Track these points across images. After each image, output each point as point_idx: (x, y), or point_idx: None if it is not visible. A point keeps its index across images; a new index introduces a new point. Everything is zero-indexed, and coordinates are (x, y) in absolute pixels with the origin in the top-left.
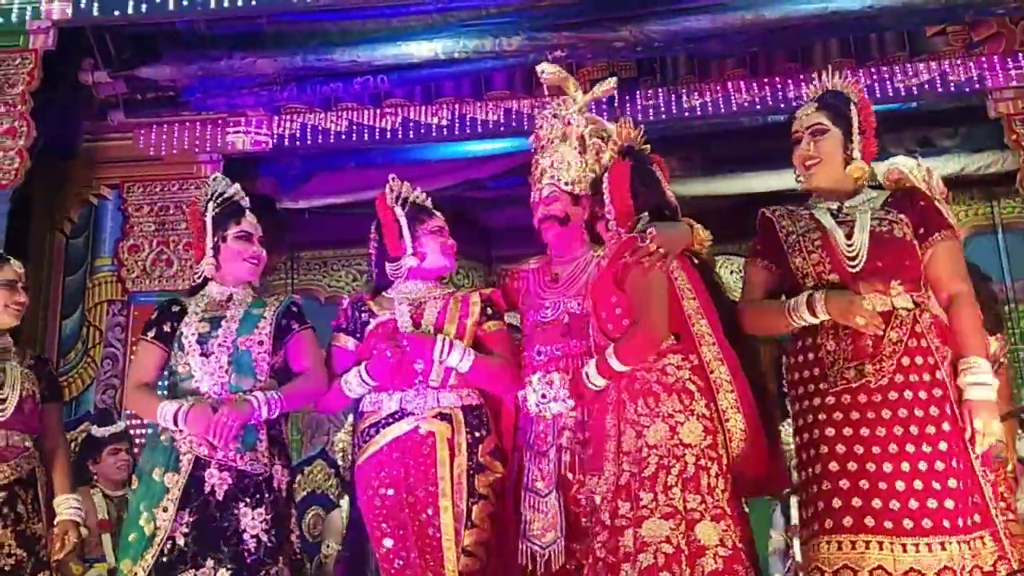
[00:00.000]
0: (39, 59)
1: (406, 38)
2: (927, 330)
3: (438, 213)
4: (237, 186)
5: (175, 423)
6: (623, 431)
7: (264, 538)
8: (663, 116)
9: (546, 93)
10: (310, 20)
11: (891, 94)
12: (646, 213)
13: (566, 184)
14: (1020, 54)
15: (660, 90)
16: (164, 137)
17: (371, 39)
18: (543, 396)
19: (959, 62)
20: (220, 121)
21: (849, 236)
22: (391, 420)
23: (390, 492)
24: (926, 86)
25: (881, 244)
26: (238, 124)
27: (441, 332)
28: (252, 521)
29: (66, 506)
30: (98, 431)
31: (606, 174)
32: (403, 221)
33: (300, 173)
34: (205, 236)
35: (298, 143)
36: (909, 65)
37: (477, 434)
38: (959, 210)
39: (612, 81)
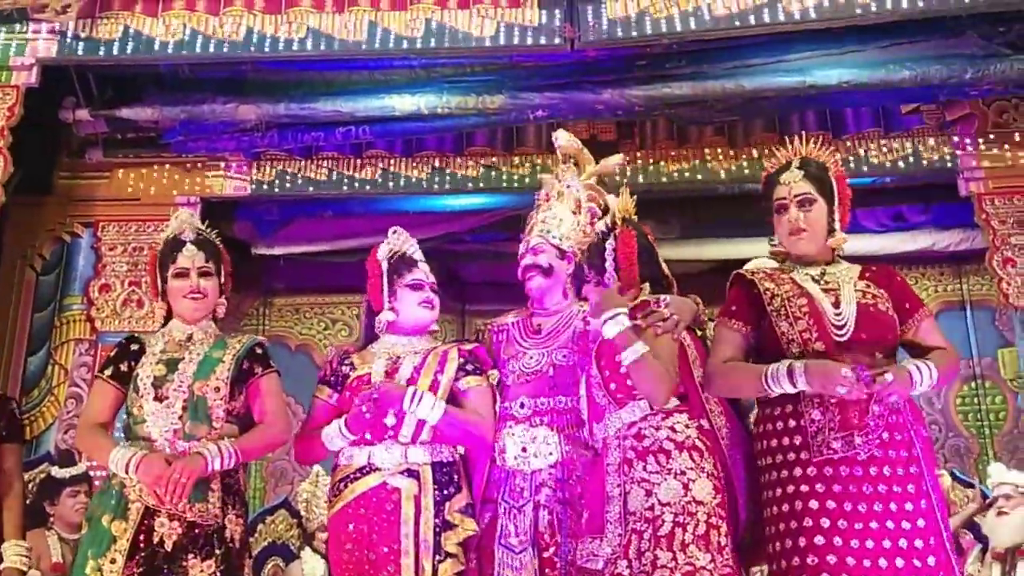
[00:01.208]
0: (20, 95)
1: (389, 91)
2: (903, 406)
3: (422, 266)
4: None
5: (126, 471)
6: (628, 491)
7: None
8: (640, 180)
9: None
10: (294, 69)
11: (865, 169)
12: (647, 284)
13: (554, 237)
14: (992, 135)
15: (638, 154)
16: (142, 178)
17: (354, 90)
18: (523, 450)
19: (932, 141)
20: (200, 164)
21: (835, 304)
22: (359, 475)
23: (355, 547)
24: (899, 162)
25: (867, 316)
26: (217, 168)
27: (414, 386)
28: (200, 574)
29: (12, 552)
30: (59, 472)
31: (611, 241)
32: (385, 275)
33: (277, 219)
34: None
35: (277, 189)
36: (883, 141)
37: (446, 491)
38: (928, 285)
39: (619, 157)
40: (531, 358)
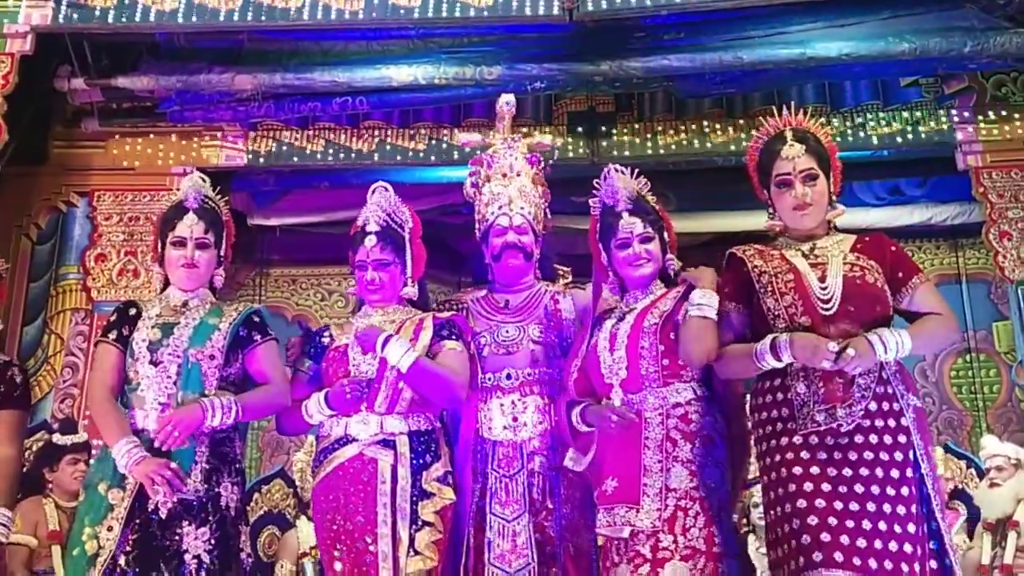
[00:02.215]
0: (15, 63)
1: (386, 61)
2: (892, 376)
3: (368, 240)
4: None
5: (125, 467)
6: (671, 468)
7: (206, 559)
8: (638, 152)
9: (501, 125)
10: (291, 39)
11: (863, 141)
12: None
13: (532, 217)
14: (990, 109)
15: (637, 126)
16: (138, 147)
17: (351, 61)
18: (514, 419)
19: (930, 114)
20: (196, 135)
21: (822, 279)
22: (337, 446)
23: (335, 517)
24: (897, 136)
25: (854, 289)
26: (213, 138)
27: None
28: (195, 541)
29: None
30: (60, 439)
31: (658, 207)
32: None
33: (273, 190)
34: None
35: (273, 160)
36: (882, 114)
37: (422, 460)
38: (924, 259)
39: (550, 138)
40: (507, 331)
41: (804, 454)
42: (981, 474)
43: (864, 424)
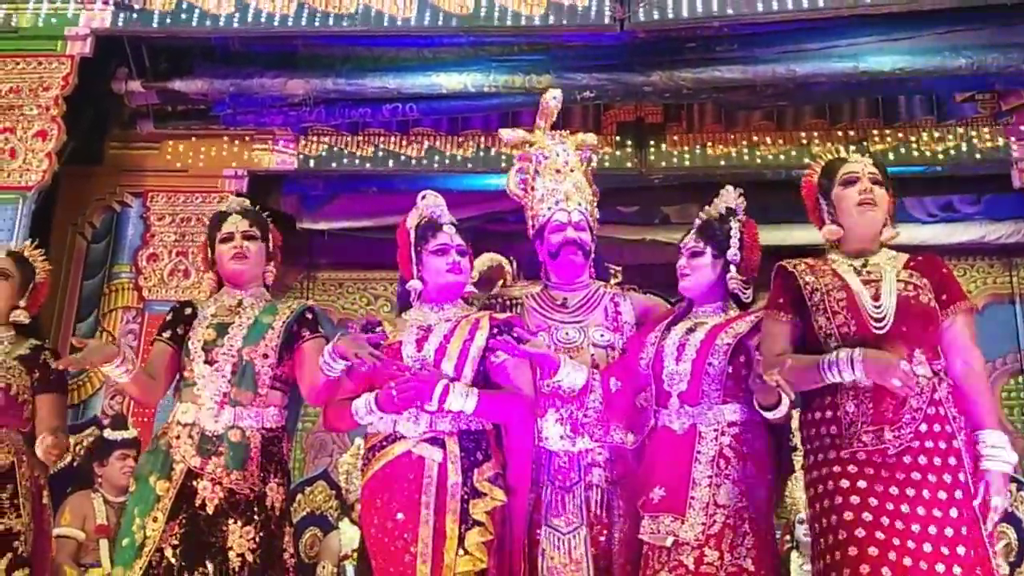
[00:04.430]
0: (75, 65)
1: (437, 69)
2: (945, 399)
3: (448, 229)
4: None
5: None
6: (720, 484)
7: (250, 557)
8: (687, 163)
9: (543, 122)
10: (343, 45)
11: (916, 157)
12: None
13: (590, 216)
14: None
15: (686, 137)
16: (191, 149)
17: (402, 67)
18: (573, 429)
19: (986, 130)
20: (248, 138)
21: (875, 297)
22: (385, 444)
23: (380, 515)
24: (951, 151)
25: (907, 309)
26: (265, 142)
27: (443, 356)
28: (240, 539)
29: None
30: (111, 434)
31: (735, 224)
32: (412, 243)
33: (323, 194)
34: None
35: (323, 165)
36: (936, 130)
37: (472, 458)
38: (977, 277)
39: (591, 136)
40: (566, 333)
41: (852, 468)
42: None
43: (913, 446)
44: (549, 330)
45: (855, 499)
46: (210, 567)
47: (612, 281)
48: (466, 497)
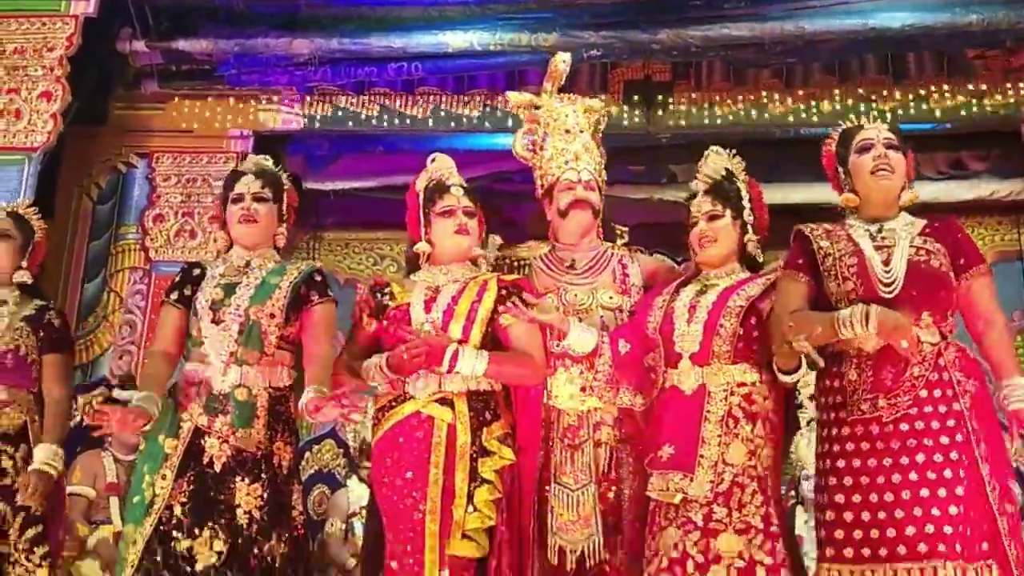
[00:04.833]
0: (79, 25)
1: (442, 27)
2: (951, 364)
3: (455, 191)
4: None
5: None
6: (729, 443)
7: (257, 515)
8: (695, 122)
9: (551, 85)
10: (347, 4)
11: (925, 114)
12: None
13: (600, 176)
14: None
15: (694, 95)
16: (196, 110)
17: (407, 26)
18: (582, 389)
19: (996, 87)
20: (253, 98)
21: (887, 262)
22: (395, 404)
23: (391, 478)
24: (961, 109)
25: (918, 273)
26: (270, 102)
27: (451, 318)
28: (247, 497)
29: (41, 456)
30: (120, 394)
31: (742, 185)
32: (420, 205)
33: (328, 154)
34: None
35: (328, 124)
36: (946, 87)
37: (482, 418)
38: (985, 235)
39: (597, 102)
40: (575, 295)
41: (849, 445)
42: None
43: (912, 412)
44: (558, 291)
45: (856, 463)
46: (218, 524)
47: (619, 242)
48: (475, 456)
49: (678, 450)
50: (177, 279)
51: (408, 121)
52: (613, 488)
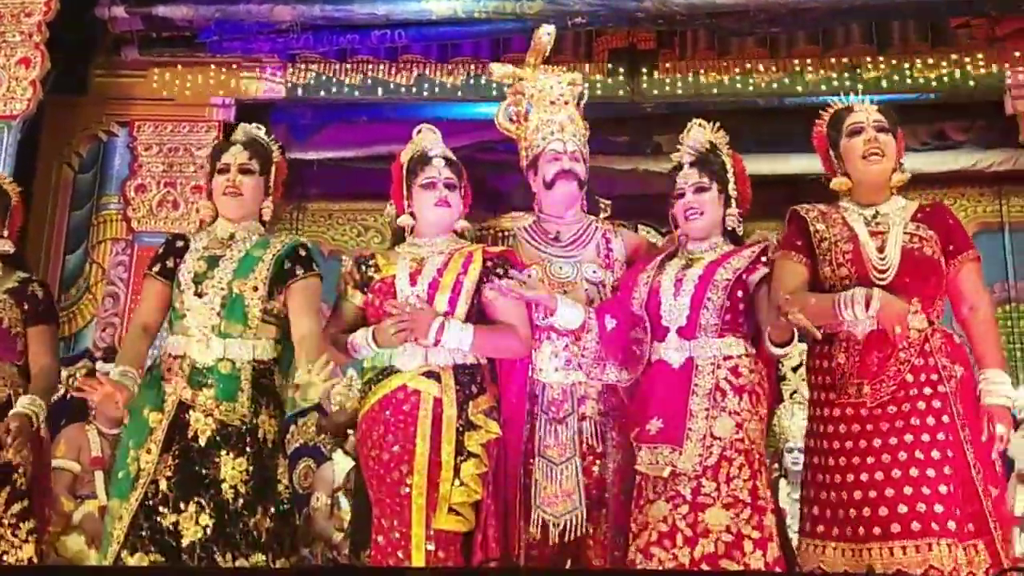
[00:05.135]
0: None
1: None
2: (936, 349)
3: (437, 162)
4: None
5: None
6: (716, 417)
7: (243, 489)
8: (679, 91)
9: (534, 58)
10: None
11: (909, 84)
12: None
13: (584, 148)
14: None
15: (678, 64)
16: (177, 78)
17: None
18: (567, 362)
19: (981, 56)
20: (235, 65)
21: (881, 249)
22: (381, 377)
23: (378, 451)
24: (945, 78)
25: (911, 260)
26: (252, 70)
27: (437, 290)
28: (232, 471)
29: (22, 401)
30: (103, 367)
31: (726, 158)
32: (404, 177)
33: (311, 123)
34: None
35: (311, 93)
36: (930, 56)
37: (468, 391)
38: (967, 206)
39: (578, 76)
40: (560, 267)
41: (842, 427)
42: (1016, 425)
43: (898, 395)
44: (542, 263)
45: (848, 444)
46: (204, 499)
47: (601, 215)
48: (461, 429)
49: (666, 423)
50: (160, 251)
51: (392, 89)
52: (598, 462)
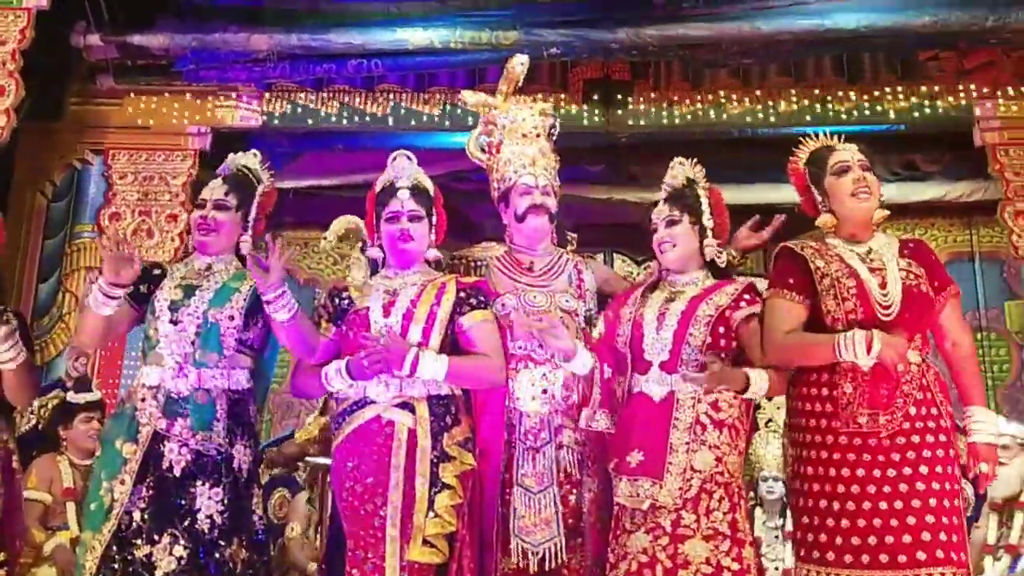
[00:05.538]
0: (31, 18)
1: (403, 24)
2: (932, 383)
3: (402, 194)
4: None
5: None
6: (696, 450)
7: (218, 519)
8: (653, 122)
9: (507, 87)
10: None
11: (879, 115)
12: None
13: (555, 181)
14: (1009, 85)
15: (653, 95)
16: (153, 106)
17: (368, 23)
18: (544, 391)
19: (949, 89)
20: (211, 94)
21: (882, 285)
22: (355, 408)
23: (352, 482)
24: (915, 111)
25: (911, 297)
26: (228, 98)
27: (411, 321)
28: (208, 500)
29: None
30: (73, 397)
31: (702, 191)
32: (373, 209)
33: (288, 152)
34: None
35: (287, 122)
36: (900, 88)
37: (443, 423)
38: (938, 236)
39: (549, 106)
40: (535, 297)
41: (843, 442)
42: None
43: (904, 427)
44: (516, 292)
45: (846, 472)
46: (178, 529)
47: (568, 248)
48: (436, 461)
49: (647, 456)
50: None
51: (368, 119)
52: (575, 491)
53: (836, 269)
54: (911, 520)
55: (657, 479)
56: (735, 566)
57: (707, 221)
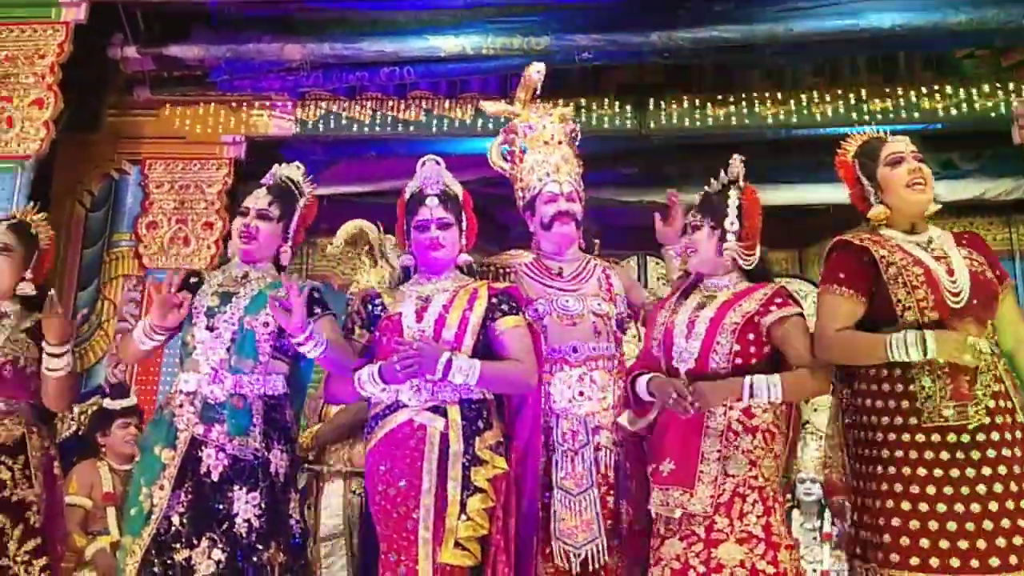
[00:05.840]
0: (70, 32)
1: (434, 31)
2: (1005, 374)
3: (431, 201)
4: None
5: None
6: (728, 456)
7: (256, 523)
8: (687, 124)
9: (524, 94)
10: (339, 8)
11: (916, 114)
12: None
13: (579, 186)
14: None
15: (685, 97)
16: (189, 116)
17: (399, 31)
18: (580, 393)
19: (987, 87)
20: (245, 103)
21: (950, 273)
22: (388, 412)
23: (385, 486)
24: (952, 109)
25: (979, 284)
26: (262, 107)
27: (443, 327)
28: (245, 505)
29: None
30: (110, 404)
31: (734, 195)
32: (405, 216)
33: (322, 160)
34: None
35: (321, 129)
36: (936, 86)
37: (474, 427)
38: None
39: (569, 111)
40: (567, 302)
41: (928, 454)
42: None
43: (986, 422)
44: (548, 298)
45: (922, 471)
46: (216, 533)
47: (595, 252)
48: (468, 464)
49: (678, 465)
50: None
51: (400, 125)
52: (612, 491)
53: (900, 258)
54: (1004, 523)
55: (688, 488)
56: (770, 569)
57: (729, 225)
